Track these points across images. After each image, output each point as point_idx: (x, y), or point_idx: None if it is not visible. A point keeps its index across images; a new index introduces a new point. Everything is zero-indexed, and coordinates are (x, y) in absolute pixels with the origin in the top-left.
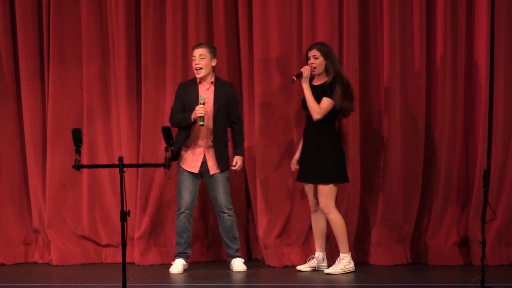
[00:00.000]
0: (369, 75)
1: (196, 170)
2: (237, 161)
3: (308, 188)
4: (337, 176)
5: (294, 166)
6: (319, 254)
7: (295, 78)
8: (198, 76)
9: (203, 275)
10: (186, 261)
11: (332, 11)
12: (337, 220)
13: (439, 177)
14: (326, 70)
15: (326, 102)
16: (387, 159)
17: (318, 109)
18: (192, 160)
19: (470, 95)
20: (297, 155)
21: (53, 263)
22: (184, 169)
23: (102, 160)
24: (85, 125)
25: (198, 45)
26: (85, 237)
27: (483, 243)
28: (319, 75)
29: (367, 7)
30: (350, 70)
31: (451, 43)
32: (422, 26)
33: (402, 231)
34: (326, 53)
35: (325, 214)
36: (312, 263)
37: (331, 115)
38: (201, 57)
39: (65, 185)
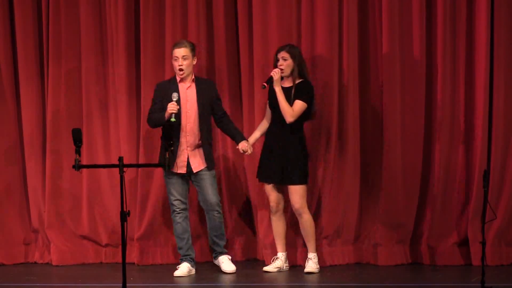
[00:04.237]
0: (368, 75)
1: (184, 170)
2: (246, 146)
3: (271, 188)
4: (307, 176)
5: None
6: (283, 254)
7: (266, 85)
8: (180, 76)
9: (203, 275)
10: (192, 265)
11: (332, 11)
12: (310, 221)
13: (439, 177)
14: (294, 72)
15: (300, 105)
16: (387, 159)
17: (292, 111)
18: (179, 161)
19: (470, 95)
20: (252, 139)
21: (53, 263)
22: (171, 171)
23: (102, 160)
24: (85, 125)
25: (180, 44)
26: (85, 237)
27: (483, 243)
28: (287, 77)
29: (367, 7)
30: (350, 70)
31: (451, 43)
32: (422, 26)
33: (402, 231)
34: (295, 56)
35: (298, 214)
36: (278, 263)
37: (302, 117)
38: (184, 58)
39: (65, 185)
